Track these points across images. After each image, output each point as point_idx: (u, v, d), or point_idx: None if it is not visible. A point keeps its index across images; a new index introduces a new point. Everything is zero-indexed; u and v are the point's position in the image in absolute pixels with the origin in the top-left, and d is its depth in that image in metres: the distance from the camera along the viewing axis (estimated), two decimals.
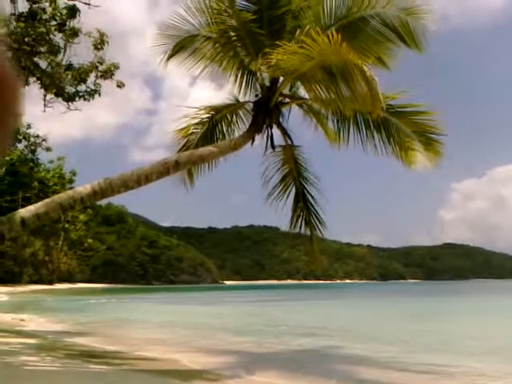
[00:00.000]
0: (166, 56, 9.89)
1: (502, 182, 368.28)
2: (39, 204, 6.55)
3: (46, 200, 6.69)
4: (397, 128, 9.12)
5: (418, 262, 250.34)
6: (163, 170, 7.64)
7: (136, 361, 10.96)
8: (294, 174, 10.69)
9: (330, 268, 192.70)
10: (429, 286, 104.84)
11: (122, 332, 17.84)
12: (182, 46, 9.75)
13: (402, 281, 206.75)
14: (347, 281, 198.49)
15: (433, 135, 8.99)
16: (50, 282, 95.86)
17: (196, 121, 10.14)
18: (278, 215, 10.72)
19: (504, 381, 9.13)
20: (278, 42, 7.42)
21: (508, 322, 20.60)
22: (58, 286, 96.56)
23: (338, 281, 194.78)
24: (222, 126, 10.32)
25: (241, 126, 10.27)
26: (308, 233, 10.90)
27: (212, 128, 10.20)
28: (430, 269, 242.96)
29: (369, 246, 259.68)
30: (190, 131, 10.13)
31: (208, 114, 10.12)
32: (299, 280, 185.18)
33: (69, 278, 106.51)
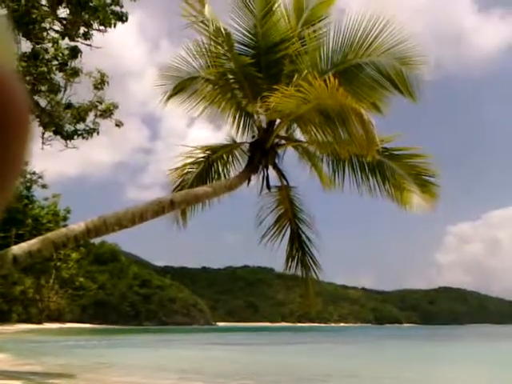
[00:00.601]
0: (166, 96, 10.05)
1: (498, 226, 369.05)
2: (32, 241, 6.48)
3: (39, 237, 6.63)
4: (392, 170, 9.20)
5: (414, 305, 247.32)
6: (158, 209, 7.62)
7: None
8: (289, 215, 10.67)
9: (325, 310, 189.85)
10: (426, 331, 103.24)
11: (105, 376, 17.34)
12: (182, 87, 9.93)
13: (397, 325, 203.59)
14: (342, 324, 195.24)
15: (428, 177, 9.07)
16: (40, 322, 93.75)
17: (192, 160, 10.20)
18: (273, 256, 10.63)
19: None
20: (275, 86, 7.57)
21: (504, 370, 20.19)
22: (47, 325, 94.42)
23: (333, 324, 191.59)
24: (217, 166, 10.37)
25: (236, 167, 10.33)
26: (303, 274, 10.78)
27: (208, 168, 10.25)
28: (426, 313, 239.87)
29: (363, 289, 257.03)
30: (185, 170, 10.18)
31: (204, 153, 10.20)
32: (293, 322, 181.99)
33: (58, 318, 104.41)
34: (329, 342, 51.46)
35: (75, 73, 10.81)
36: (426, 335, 74.16)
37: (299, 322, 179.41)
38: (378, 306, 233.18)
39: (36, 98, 10.69)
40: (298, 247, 10.72)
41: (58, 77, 10.78)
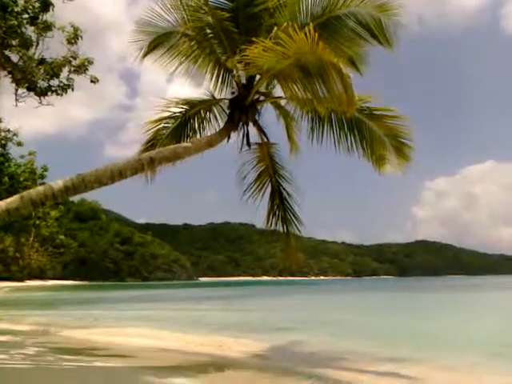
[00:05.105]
0: (142, 53, 9.80)
1: (474, 181, 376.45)
2: (9, 200, 6.42)
3: (17, 195, 6.56)
4: (370, 130, 9.23)
5: (391, 258, 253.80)
6: (138, 166, 7.57)
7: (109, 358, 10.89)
8: (269, 172, 10.72)
9: (305, 265, 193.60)
10: (401, 282, 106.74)
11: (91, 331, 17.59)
12: (158, 42, 9.67)
13: (375, 277, 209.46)
14: (322, 277, 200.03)
15: (403, 140, 9.16)
16: (21, 279, 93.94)
17: (168, 114, 10.03)
18: (254, 212, 10.75)
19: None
20: (254, 39, 7.40)
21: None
22: (29, 282, 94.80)
23: (313, 277, 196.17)
24: (193, 123, 10.24)
25: (214, 124, 10.23)
26: (284, 230, 10.95)
27: (183, 123, 10.12)
28: (403, 265, 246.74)
29: (343, 243, 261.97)
30: (161, 125, 10.03)
31: (181, 108, 10.04)
32: (274, 276, 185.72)
33: (40, 275, 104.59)
34: (310, 293, 52.94)
35: (47, 27, 10.42)
36: (400, 286, 76.87)
37: (280, 275, 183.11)
38: (356, 259, 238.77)
39: (7, 52, 10.32)
40: (279, 203, 10.84)
41: (30, 31, 10.40)
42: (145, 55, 9.85)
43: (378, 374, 9.10)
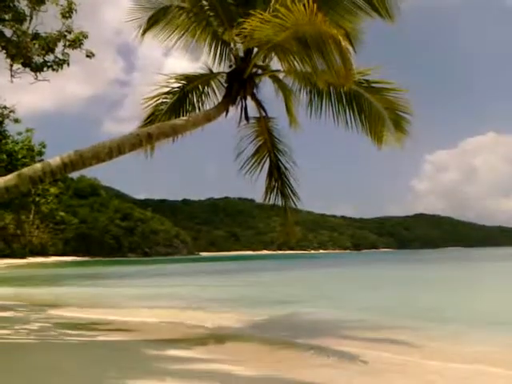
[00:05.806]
0: (141, 31, 9.69)
1: (473, 153, 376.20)
2: (8, 177, 6.42)
3: (15, 173, 6.56)
4: (369, 104, 9.14)
5: (391, 231, 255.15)
6: (136, 141, 7.54)
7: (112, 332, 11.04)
8: (268, 146, 10.68)
9: (305, 238, 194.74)
10: (403, 255, 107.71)
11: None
12: (156, 18, 9.55)
13: (374, 250, 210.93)
14: (321, 251, 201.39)
15: (402, 113, 9.08)
16: (23, 256, 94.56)
17: (166, 90, 9.95)
18: (253, 187, 10.75)
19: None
20: (251, 11, 7.29)
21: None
22: (30, 259, 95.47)
23: (312, 251, 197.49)
24: (192, 97, 10.16)
25: (212, 98, 10.15)
26: (282, 204, 10.98)
27: (182, 98, 10.04)
28: (402, 238, 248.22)
29: (343, 217, 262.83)
30: (159, 100, 9.96)
31: (179, 83, 9.95)
32: (274, 250, 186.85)
33: (41, 252, 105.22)
34: (310, 266, 53.44)
35: (40, 0, 10.23)
36: (400, 259, 77.62)
37: (280, 249, 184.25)
38: (356, 232, 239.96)
39: (0, 27, 10.16)
40: (277, 178, 10.83)
41: (23, 5, 10.22)
42: (144, 32, 9.75)
43: (377, 343, 9.25)
